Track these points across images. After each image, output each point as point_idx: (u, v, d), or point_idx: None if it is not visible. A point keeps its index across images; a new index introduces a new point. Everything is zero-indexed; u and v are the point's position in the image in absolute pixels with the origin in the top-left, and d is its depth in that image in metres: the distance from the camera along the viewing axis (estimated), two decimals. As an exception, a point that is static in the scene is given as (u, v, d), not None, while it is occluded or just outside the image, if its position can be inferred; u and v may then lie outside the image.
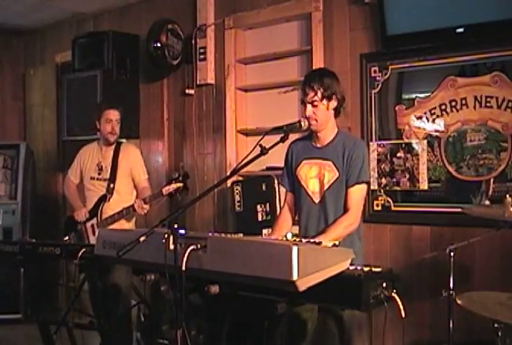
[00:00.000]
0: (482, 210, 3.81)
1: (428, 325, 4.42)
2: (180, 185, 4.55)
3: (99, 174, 4.96)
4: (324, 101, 3.46)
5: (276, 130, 3.28)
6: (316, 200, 3.55)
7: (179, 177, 4.58)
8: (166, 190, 4.57)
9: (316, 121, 3.47)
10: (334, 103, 3.51)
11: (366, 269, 2.46)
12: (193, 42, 5.71)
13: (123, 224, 4.87)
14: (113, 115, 4.87)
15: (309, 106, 3.46)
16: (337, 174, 3.48)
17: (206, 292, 2.56)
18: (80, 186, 5.14)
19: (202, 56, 5.67)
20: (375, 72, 4.67)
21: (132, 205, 4.71)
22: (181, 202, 4.66)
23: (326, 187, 3.50)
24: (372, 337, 3.87)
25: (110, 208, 4.88)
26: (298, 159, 3.66)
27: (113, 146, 4.99)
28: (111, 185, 4.88)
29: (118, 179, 4.91)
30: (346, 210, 3.44)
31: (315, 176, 3.56)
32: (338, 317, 3.45)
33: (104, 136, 4.92)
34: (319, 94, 3.44)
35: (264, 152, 2.96)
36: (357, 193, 3.47)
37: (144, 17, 6.17)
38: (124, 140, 5.28)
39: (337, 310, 3.38)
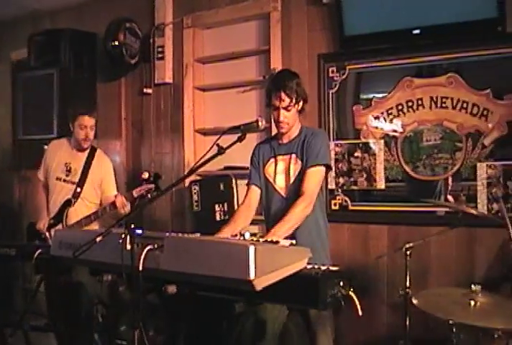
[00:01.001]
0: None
1: (385, 323, 4.45)
2: (152, 186, 4.44)
3: (67, 175, 4.75)
4: (295, 105, 3.48)
5: (233, 130, 3.25)
6: (284, 194, 3.53)
7: (150, 178, 4.48)
8: (137, 191, 4.45)
9: (288, 124, 3.50)
10: (301, 104, 3.53)
11: (323, 268, 2.45)
12: (151, 41, 5.65)
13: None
14: (88, 121, 4.67)
15: (283, 112, 3.45)
16: (301, 165, 3.48)
17: (164, 293, 2.53)
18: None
19: (160, 55, 5.60)
20: (332, 72, 4.68)
21: (113, 202, 4.50)
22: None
23: (292, 180, 3.50)
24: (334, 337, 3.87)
25: (75, 214, 4.67)
26: (265, 158, 3.66)
27: (86, 152, 4.81)
28: (78, 190, 4.69)
29: (86, 185, 4.73)
30: (301, 192, 3.39)
31: (281, 171, 3.56)
32: (304, 315, 3.44)
33: (77, 141, 4.73)
34: (294, 100, 3.44)
35: (221, 151, 2.93)
36: (314, 175, 3.43)
37: (102, 15, 6.04)
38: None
39: (304, 309, 3.38)
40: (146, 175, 4.49)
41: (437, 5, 4.13)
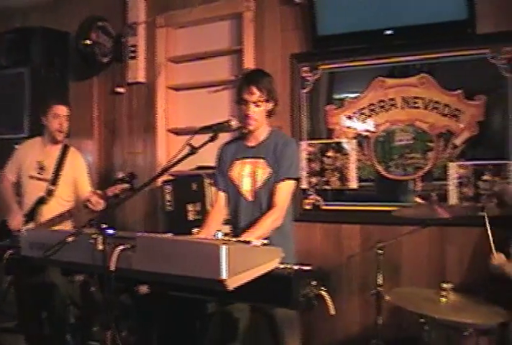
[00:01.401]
0: (411, 212, 3.87)
1: (358, 322, 4.46)
2: (127, 186, 4.39)
3: (39, 173, 4.65)
4: (265, 102, 3.44)
5: (206, 129, 3.24)
6: (250, 198, 3.50)
7: (125, 177, 4.43)
8: (111, 190, 4.40)
9: (256, 120, 3.44)
10: (270, 105, 3.48)
11: (296, 267, 2.44)
12: (124, 40, 5.60)
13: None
14: (62, 110, 4.61)
15: (252, 106, 3.39)
16: (270, 171, 3.45)
17: (136, 293, 2.52)
18: (17, 184, 4.78)
19: (133, 54, 5.55)
20: (305, 72, 4.68)
21: (88, 201, 4.42)
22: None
23: (258, 185, 3.46)
24: (303, 334, 3.87)
25: (49, 211, 4.57)
26: (231, 160, 3.60)
27: (59, 146, 4.73)
28: (52, 188, 4.60)
29: (60, 183, 4.64)
30: (272, 205, 3.37)
31: (248, 175, 3.51)
32: (270, 315, 3.43)
33: (51, 134, 4.63)
34: (264, 95, 3.40)
35: (193, 151, 2.91)
36: (285, 189, 3.40)
37: (74, 14, 5.97)
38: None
39: (269, 309, 3.37)
40: (121, 175, 4.45)
41: (409, 6, 4.16)
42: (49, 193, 4.61)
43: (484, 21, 4.06)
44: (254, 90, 3.38)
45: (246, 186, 3.52)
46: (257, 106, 3.41)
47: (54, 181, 4.63)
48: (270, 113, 3.53)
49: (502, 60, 4.03)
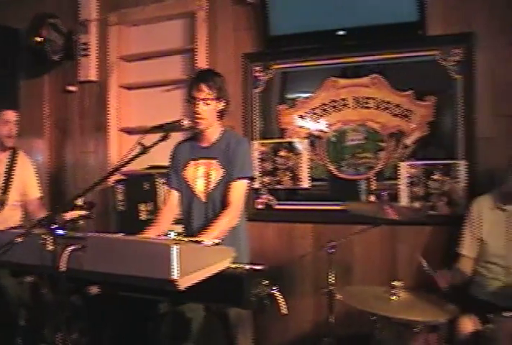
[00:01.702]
0: (362, 207, 3.89)
1: (311, 320, 4.45)
2: (85, 213, 4.29)
3: None
4: (215, 101, 3.40)
5: (157, 129, 3.20)
6: (204, 199, 3.46)
7: (84, 205, 4.34)
8: (69, 215, 4.29)
9: (205, 119, 3.39)
10: (221, 105, 3.45)
11: (247, 267, 2.42)
12: (76, 37, 5.48)
13: None
14: (12, 116, 4.46)
15: (201, 104, 3.36)
16: (223, 172, 3.42)
17: (87, 294, 2.47)
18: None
19: (84, 52, 5.42)
20: (257, 72, 4.65)
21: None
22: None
23: (212, 185, 3.42)
24: (256, 334, 3.86)
25: (2, 219, 4.36)
26: (185, 160, 3.56)
27: (7, 153, 4.56)
28: (2, 197, 4.42)
29: (11, 191, 4.48)
30: (227, 205, 3.35)
31: (201, 176, 3.48)
32: (223, 315, 3.41)
33: (0, 140, 4.47)
34: (213, 93, 3.37)
35: (144, 150, 2.87)
36: (238, 188, 3.39)
37: (25, 10, 5.82)
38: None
39: (222, 308, 3.35)
40: (80, 202, 4.37)
41: (362, 7, 4.16)
42: (1, 203, 4.46)
43: (434, 23, 4.09)
44: (203, 87, 3.35)
45: (200, 187, 3.48)
46: (206, 103, 3.37)
47: (5, 190, 4.48)
48: (221, 114, 3.50)
49: (451, 61, 4.07)
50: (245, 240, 3.55)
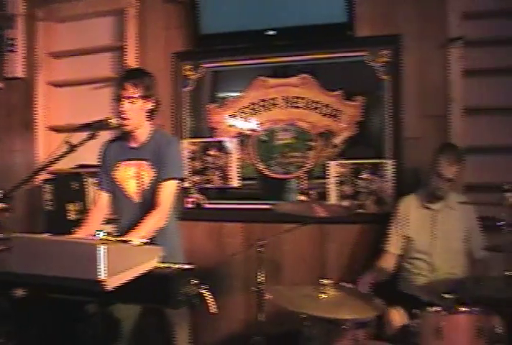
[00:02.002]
0: (289, 207, 3.85)
1: (241, 319, 4.42)
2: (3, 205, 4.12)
3: None
4: (142, 101, 3.27)
5: (85, 127, 3.12)
6: (136, 200, 3.35)
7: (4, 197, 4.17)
8: None
9: (130, 119, 3.26)
10: (149, 105, 3.33)
11: (176, 266, 2.39)
12: (1, 32, 5.24)
13: None
14: None
15: (126, 102, 3.23)
16: (155, 173, 3.34)
17: (13, 296, 2.38)
18: None
19: (11, 48, 5.21)
20: (187, 70, 4.56)
21: None
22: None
23: (144, 187, 3.33)
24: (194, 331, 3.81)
25: None
26: (115, 161, 3.42)
27: None
28: None
29: None
30: (156, 205, 3.24)
31: (132, 177, 3.37)
32: (160, 314, 3.35)
33: None
34: (139, 92, 3.24)
35: (72, 149, 2.81)
36: (168, 189, 3.28)
37: None
38: None
39: (159, 308, 3.29)
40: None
41: (292, 7, 4.14)
42: None
43: (363, 24, 4.12)
44: (128, 85, 3.23)
45: (132, 188, 3.38)
46: (132, 102, 3.25)
47: None
48: (150, 113, 3.40)
49: (379, 62, 4.11)
50: (177, 240, 3.48)
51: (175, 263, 2.45)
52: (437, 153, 3.60)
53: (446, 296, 3.16)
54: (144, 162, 3.34)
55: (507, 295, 3.05)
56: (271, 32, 4.21)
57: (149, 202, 3.31)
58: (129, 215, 3.37)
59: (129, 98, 3.24)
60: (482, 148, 4.02)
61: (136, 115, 3.29)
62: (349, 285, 3.38)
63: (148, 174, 3.33)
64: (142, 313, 3.39)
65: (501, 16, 4.03)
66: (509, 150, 4.01)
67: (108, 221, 3.51)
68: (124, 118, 3.26)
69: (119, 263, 2.16)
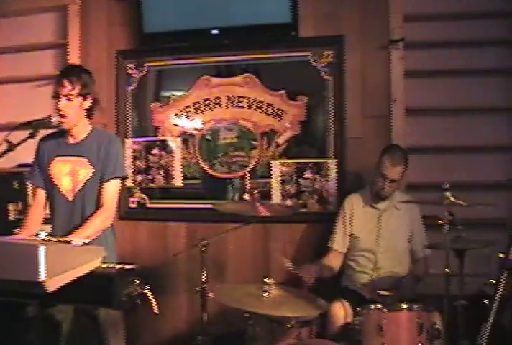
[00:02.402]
0: (232, 206, 3.82)
1: (185, 319, 4.35)
2: None
3: None
4: (79, 98, 3.17)
5: (25, 126, 3.02)
6: (70, 198, 3.22)
7: None
8: None
9: (67, 116, 3.16)
10: (88, 103, 3.23)
11: (118, 266, 2.32)
12: None
13: None
14: None
15: (63, 100, 3.13)
16: (92, 171, 3.23)
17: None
18: None
19: None
20: (131, 69, 4.44)
21: None
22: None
23: (80, 184, 3.20)
24: (129, 334, 3.73)
25: None
26: (50, 157, 3.29)
27: None
28: None
29: None
30: (100, 205, 3.19)
31: (68, 173, 3.24)
32: (93, 316, 3.25)
33: None
34: (76, 89, 3.14)
35: (11, 148, 2.72)
36: (111, 188, 3.23)
37: None
38: None
39: (92, 310, 3.20)
40: None
41: (236, 7, 4.11)
42: None
43: (307, 25, 4.12)
44: (65, 82, 3.14)
45: (66, 186, 3.26)
46: (69, 99, 3.15)
47: None
48: (89, 111, 3.31)
49: (322, 63, 4.10)
50: (113, 240, 3.38)
51: (117, 263, 2.38)
52: (381, 154, 3.60)
53: (388, 293, 3.20)
54: (81, 159, 3.24)
55: (447, 292, 3.09)
56: (215, 31, 4.15)
57: (84, 201, 3.24)
58: (62, 214, 3.28)
59: (66, 95, 3.15)
60: (424, 148, 4.06)
61: (74, 112, 3.20)
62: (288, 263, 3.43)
63: (85, 172, 3.23)
64: (75, 315, 3.30)
65: (441, 19, 4.09)
66: (449, 150, 4.06)
67: (47, 221, 3.40)
68: (61, 116, 3.16)
69: (60, 264, 2.09)
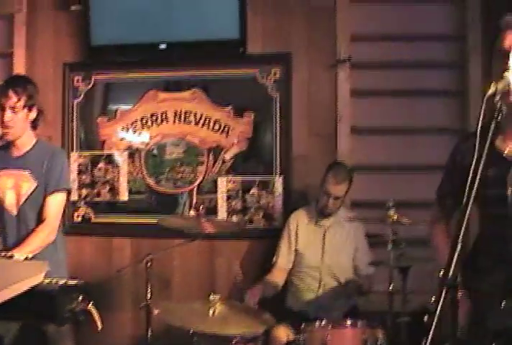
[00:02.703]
0: (177, 222, 3.75)
1: (130, 335, 4.26)
2: None
3: None
4: (25, 110, 3.09)
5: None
6: (14, 212, 3.13)
7: None
8: None
9: (12, 128, 3.08)
10: (33, 115, 3.14)
11: (61, 282, 2.32)
12: None
13: None
14: None
15: (9, 112, 3.04)
16: (35, 184, 3.14)
17: None
18: None
19: None
20: (78, 81, 4.32)
21: None
22: None
23: (23, 198, 3.11)
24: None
25: None
26: None
27: None
28: None
29: None
30: (43, 219, 3.11)
31: (11, 187, 3.14)
32: (41, 331, 3.17)
33: None
34: (22, 101, 3.06)
35: None
36: (55, 201, 3.14)
37: None
38: None
39: (40, 325, 3.11)
40: None
41: (185, 22, 4.06)
42: None
43: (255, 42, 4.10)
44: (11, 94, 3.05)
45: (9, 200, 3.17)
46: (14, 111, 3.06)
47: None
48: (34, 123, 3.22)
49: (270, 80, 4.09)
50: (62, 254, 3.30)
51: (61, 278, 2.37)
52: (326, 171, 3.60)
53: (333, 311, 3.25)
54: (24, 173, 3.15)
55: (390, 309, 3.12)
56: (163, 46, 4.08)
57: (28, 215, 3.16)
58: (9, 228, 3.18)
59: (12, 107, 3.06)
60: (369, 166, 4.07)
61: (19, 124, 3.12)
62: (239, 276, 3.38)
63: (28, 185, 3.14)
64: (21, 330, 3.21)
65: (387, 40, 4.11)
66: (394, 169, 4.08)
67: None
68: (5, 128, 3.08)
69: (1, 279, 1.99)
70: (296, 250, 3.70)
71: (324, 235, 3.66)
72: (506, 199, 2.05)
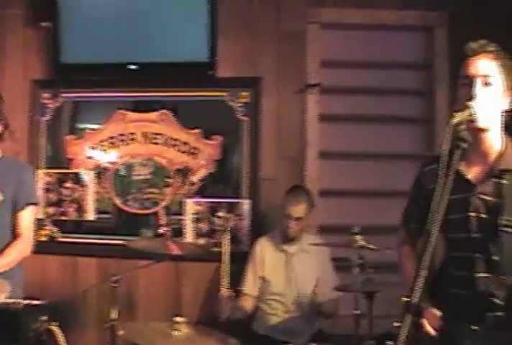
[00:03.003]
0: (144, 244, 3.72)
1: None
2: None
3: None
4: None
5: None
6: None
7: None
8: None
9: None
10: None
11: (25, 302, 2.33)
12: None
13: None
14: None
15: None
16: (1, 198, 3.10)
17: None
18: None
19: None
20: (46, 99, 4.26)
21: None
22: None
23: None
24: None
25: None
26: None
27: None
28: None
29: None
30: (17, 234, 3.07)
31: None
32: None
33: None
34: None
35: None
36: (27, 216, 3.13)
37: None
38: None
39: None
40: None
41: (155, 43, 4.01)
42: None
43: (225, 65, 4.06)
44: None
45: None
46: None
47: None
48: (0, 137, 3.16)
49: (239, 103, 4.06)
50: (20, 273, 3.23)
51: (23, 298, 2.37)
52: (285, 194, 3.60)
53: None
54: None
55: (356, 332, 3.11)
56: (133, 66, 4.02)
57: None
58: None
59: None
60: (337, 191, 4.07)
61: None
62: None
63: None
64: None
65: (357, 66, 4.13)
66: (362, 194, 4.10)
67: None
68: None
69: None
70: (263, 277, 3.67)
71: (289, 261, 3.64)
72: (468, 223, 2.04)
